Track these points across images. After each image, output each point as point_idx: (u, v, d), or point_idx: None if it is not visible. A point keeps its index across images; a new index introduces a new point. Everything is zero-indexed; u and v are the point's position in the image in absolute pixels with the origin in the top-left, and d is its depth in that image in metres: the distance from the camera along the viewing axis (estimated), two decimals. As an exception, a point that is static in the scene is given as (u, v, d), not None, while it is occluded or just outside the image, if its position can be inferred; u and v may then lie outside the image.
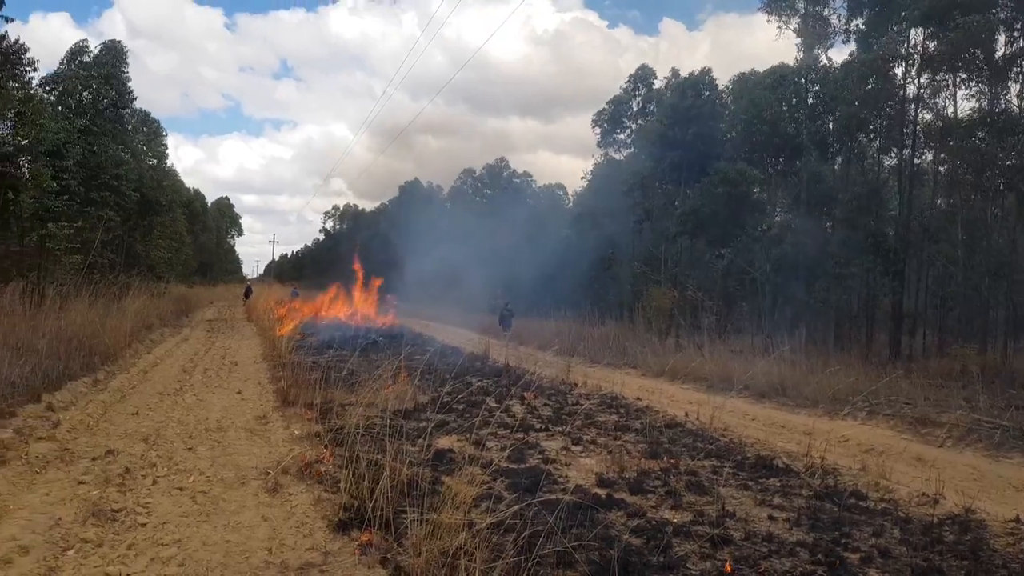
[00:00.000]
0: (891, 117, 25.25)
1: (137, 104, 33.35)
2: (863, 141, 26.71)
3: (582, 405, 12.32)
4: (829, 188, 27.40)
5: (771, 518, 6.56)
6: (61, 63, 29.71)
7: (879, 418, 12.75)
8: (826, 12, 27.71)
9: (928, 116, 25.10)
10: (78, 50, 29.84)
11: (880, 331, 26.73)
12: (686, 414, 12.05)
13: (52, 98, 26.55)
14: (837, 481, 7.94)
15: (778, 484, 7.74)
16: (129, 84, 30.97)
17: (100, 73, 29.06)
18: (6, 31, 17.22)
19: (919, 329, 26.84)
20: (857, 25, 26.36)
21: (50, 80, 28.30)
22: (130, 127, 33.99)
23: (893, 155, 26.61)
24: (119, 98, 30.24)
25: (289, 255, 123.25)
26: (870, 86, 24.38)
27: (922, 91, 24.53)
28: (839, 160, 28.36)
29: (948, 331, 25.13)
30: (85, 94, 28.17)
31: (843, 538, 6.05)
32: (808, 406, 13.94)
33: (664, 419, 11.41)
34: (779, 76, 27.61)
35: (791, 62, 28.11)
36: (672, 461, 8.38)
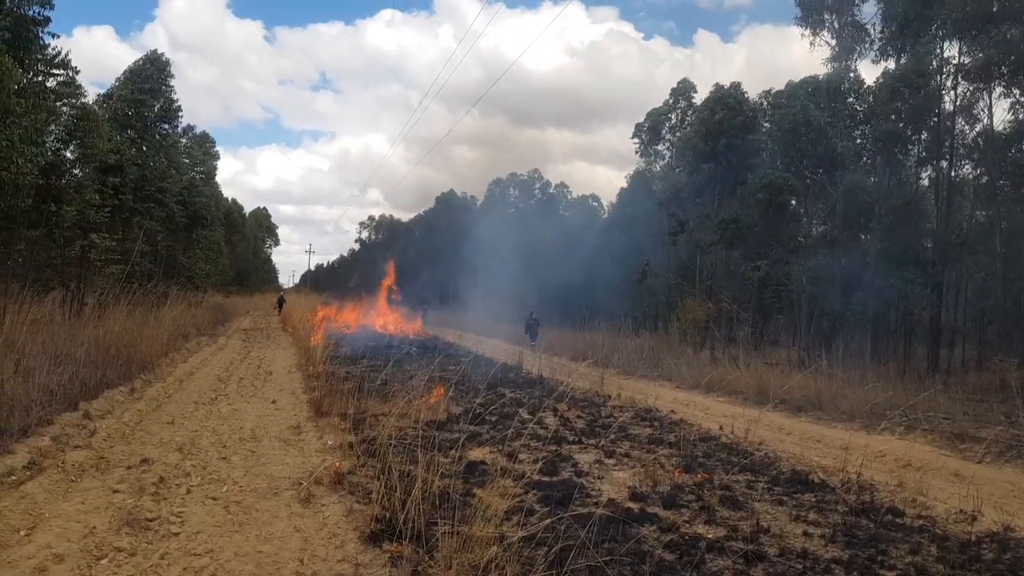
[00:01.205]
0: (929, 129, 24.90)
1: (183, 118, 33.82)
2: (900, 156, 26.31)
3: (616, 418, 12.23)
4: (867, 199, 27.06)
5: (806, 534, 6.44)
6: (117, 80, 30.41)
7: (917, 433, 12.53)
8: (861, 19, 27.46)
9: (965, 128, 24.75)
10: (136, 69, 30.47)
11: (918, 344, 26.29)
12: (721, 428, 11.92)
13: (105, 115, 27.05)
14: (874, 497, 7.80)
15: (814, 499, 7.61)
16: (174, 97, 31.49)
17: (145, 88, 29.58)
18: (51, 45, 17.57)
19: (958, 343, 26.38)
20: (891, 33, 25.98)
21: (105, 99, 28.96)
22: (184, 141, 34.54)
23: (931, 167, 26.23)
24: (165, 113, 30.74)
25: (325, 265, 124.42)
26: (909, 101, 24.03)
27: (957, 104, 24.17)
28: (876, 171, 27.99)
29: (987, 345, 24.66)
30: (131, 109, 28.65)
31: (879, 555, 5.93)
32: (845, 420, 13.75)
33: (698, 432, 11.29)
34: (813, 87, 27.39)
35: (826, 73, 27.91)
36: (706, 475, 8.28)
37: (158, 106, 30.17)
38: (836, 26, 27.78)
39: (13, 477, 6.84)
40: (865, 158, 27.51)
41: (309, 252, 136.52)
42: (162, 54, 31.52)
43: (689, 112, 39.46)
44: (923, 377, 19.71)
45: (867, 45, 27.47)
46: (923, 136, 25.43)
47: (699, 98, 38.70)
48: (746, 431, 11.00)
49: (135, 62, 30.92)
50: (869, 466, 9.09)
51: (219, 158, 43.98)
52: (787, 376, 17.27)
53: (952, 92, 24.08)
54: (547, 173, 73.64)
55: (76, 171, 19.82)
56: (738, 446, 10.38)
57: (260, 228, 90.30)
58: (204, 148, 41.86)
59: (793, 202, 28.30)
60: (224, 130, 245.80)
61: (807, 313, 26.55)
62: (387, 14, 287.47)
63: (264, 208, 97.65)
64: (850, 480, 8.24)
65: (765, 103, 31.70)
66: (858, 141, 27.01)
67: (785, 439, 11.97)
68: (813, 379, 15.77)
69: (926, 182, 27.52)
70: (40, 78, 17.50)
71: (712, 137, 30.39)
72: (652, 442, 10.37)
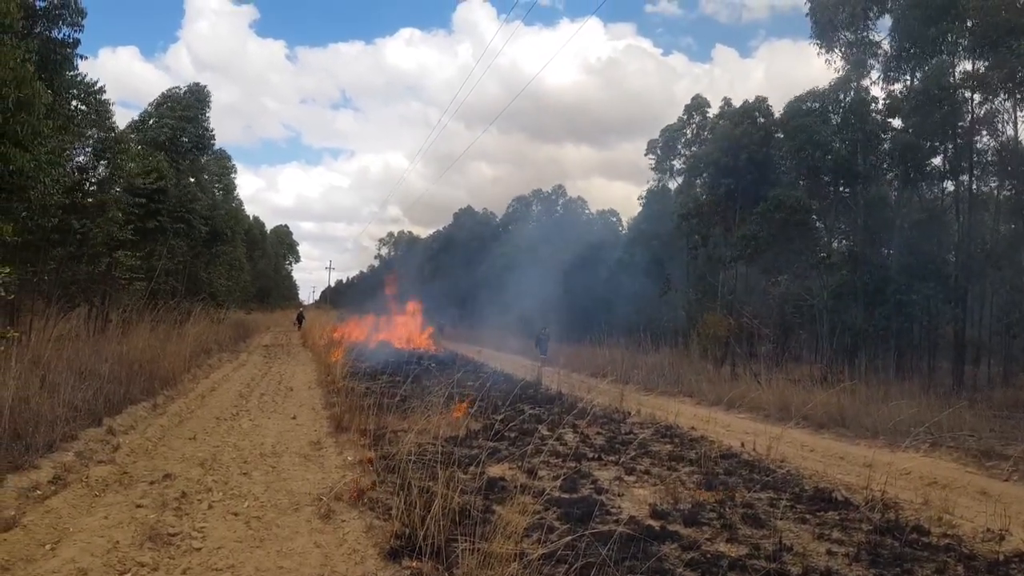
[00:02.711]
0: (951, 141, 24.69)
1: (215, 144, 34.37)
2: (921, 170, 26.03)
3: (636, 434, 12.18)
4: (889, 214, 26.85)
5: (830, 553, 6.38)
6: (150, 105, 30.91)
7: (942, 450, 12.37)
8: (875, 35, 27.22)
9: (987, 141, 24.54)
10: (171, 95, 30.95)
11: (942, 360, 26.01)
12: (742, 444, 11.85)
13: (135, 138, 27.47)
14: (898, 515, 7.72)
15: (837, 518, 7.55)
16: (209, 127, 32.02)
17: (188, 116, 30.08)
18: (80, 69, 17.83)
19: (983, 358, 26.07)
20: (904, 49, 25.72)
21: (140, 122, 29.48)
22: (204, 159, 34.90)
23: (951, 180, 25.97)
24: (200, 139, 31.23)
25: (345, 281, 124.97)
26: (929, 114, 23.84)
27: (974, 117, 23.95)
28: (897, 186, 27.74)
29: (1013, 360, 24.34)
30: (165, 130, 29.12)
31: (905, 575, 5.87)
32: (868, 437, 13.61)
33: (720, 449, 11.21)
34: (819, 103, 27.19)
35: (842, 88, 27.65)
36: (728, 493, 8.23)
37: (195, 132, 30.68)
38: (849, 40, 27.50)
39: (38, 492, 6.91)
40: (889, 172, 27.28)
41: (329, 268, 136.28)
42: (204, 86, 32.14)
43: (704, 129, 39.51)
44: (948, 393, 19.47)
45: (880, 60, 27.21)
46: (947, 148, 25.18)
47: (712, 112, 38.90)
48: (768, 448, 10.93)
49: (170, 89, 31.48)
50: (893, 484, 8.99)
51: (236, 172, 44.26)
52: (809, 392, 17.13)
53: (970, 104, 23.89)
54: (567, 189, 73.94)
55: (116, 190, 20.06)
56: (760, 463, 10.31)
57: (281, 245, 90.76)
58: (220, 163, 42.26)
59: (815, 218, 28.09)
60: (246, 148, 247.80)
61: (829, 328, 26.34)
62: (406, 33, 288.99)
63: (285, 225, 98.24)
64: (874, 498, 8.17)
65: (781, 118, 31.49)
66: (876, 155, 26.75)
67: (808, 456, 11.87)
68: (836, 395, 15.63)
69: (950, 197, 27.24)
70: (73, 103, 17.74)
71: (732, 152, 30.26)
72: (673, 459, 10.33)
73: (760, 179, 29.42)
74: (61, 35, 16.25)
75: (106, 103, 19.34)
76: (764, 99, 31.50)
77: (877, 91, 26.93)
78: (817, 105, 27.19)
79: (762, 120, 30.66)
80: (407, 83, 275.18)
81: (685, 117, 41.19)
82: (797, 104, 28.03)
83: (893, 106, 25.71)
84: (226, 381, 17.99)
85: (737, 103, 32.73)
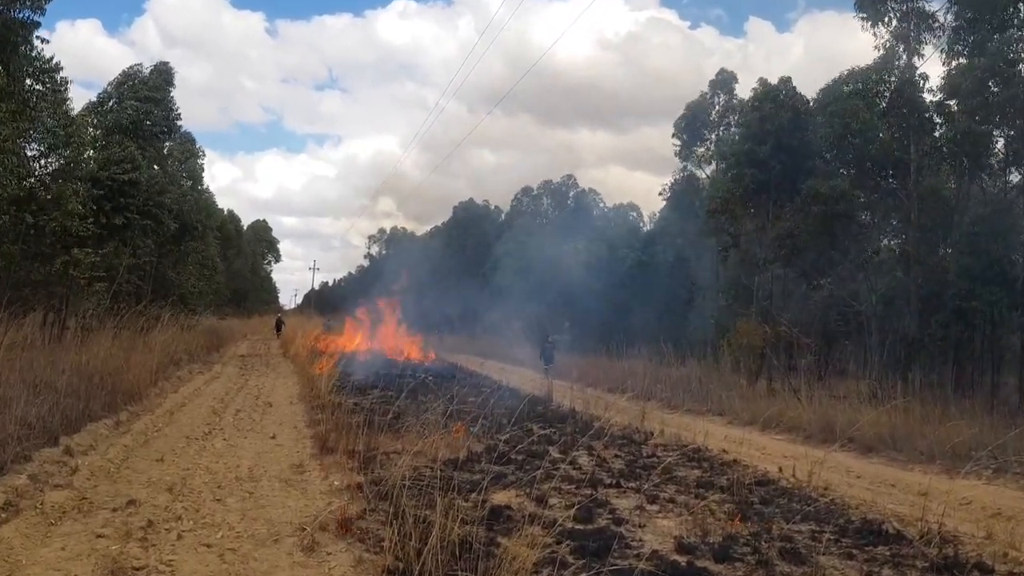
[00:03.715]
0: (1017, 127, 24.57)
1: (181, 126, 34.62)
2: (978, 159, 25.89)
3: (659, 458, 12.18)
4: (946, 208, 26.74)
5: (880, 593, 6.37)
6: (109, 85, 31.05)
7: (1007, 477, 12.33)
8: (927, 6, 27.00)
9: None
10: (133, 74, 31.11)
11: (1009, 375, 25.91)
12: (780, 470, 11.83)
13: (94, 122, 27.60)
14: (958, 551, 7.69)
15: (888, 553, 7.53)
16: (175, 108, 32.17)
17: (149, 96, 30.20)
18: (39, 48, 17.93)
19: (1054, 373, 25.99)
20: (973, 21, 25.51)
21: (95, 107, 29.61)
22: (168, 144, 35.06)
23: (1017, 171, 25.80)
24: (165, 121, 31.36)
25: (331, 283, 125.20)
26: (996, 96, 23.74)
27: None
28: (955, 177, 27.60)
29: (1089, 375, 24.25)
30: (128, 112, 29.23)
31: (966, 618, 5.85)
32: (923, 462, 13.57)
33: (754, 475, 11.20)
34: (862, 83, 27.02)
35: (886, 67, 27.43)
36: (764, 524, 8.22)
37: (160, 115, 30.79)
38: (899, 11, 27.23)
39: (-13, 520, 6.93)
40: (945, 162, 27.16)
41: (313, 269, 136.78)
42: (166, 62, 32.34)
43: (732, 110, 39.36)
44: (1014, 412, 19.40)
45: (937, 34, 26.98)
46: (1010, 135, 25.02)
47: (740, 89, 38.75)
48: (809, 474, 10.90)
49: (131, 67, 31.61)
50: (952, 515, 8.97)
51: (203, 156, 44.20)
52: (856, 411, 17.10)
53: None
54: (579, 178, 74.03)
55: (76, 182, 20.12)
56: (800, 491, 10.29)
57: (259, 242, 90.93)
58: (185, 147, 42.30)
59: (864, 215, 27.98)
60: (222, 134, 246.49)
61: (878, 338, 26.28)
62: (400, 4, 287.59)
63: (264, 220, 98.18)
64: (930, 531, 8.14)
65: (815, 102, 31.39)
66: (929, 142, 26.63)
67: (854, 483, 11.85)
68: (886, 414, 15.58)
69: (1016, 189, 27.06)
70: (28, 82, 17.83)
71: (756, 139, 30.07)
72: (701, 486, 10.32)
73: (794, 168, 29.24)
74: (21, 15, 16.39)
75: (64, 81, 19.46)
76: (788, 79, 31.29)
77: (929, 70, 26.84)
78: (860, 86, 27.03)
79: (790, 102, 30.45)
80: (401, 61, 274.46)
81: (709, 95, 40.98)
82: (836, 86, 27.92)
83: (952, 85, 25.55)
84: (197, 395, 18.02)
85: (774, 83, 32.58)
